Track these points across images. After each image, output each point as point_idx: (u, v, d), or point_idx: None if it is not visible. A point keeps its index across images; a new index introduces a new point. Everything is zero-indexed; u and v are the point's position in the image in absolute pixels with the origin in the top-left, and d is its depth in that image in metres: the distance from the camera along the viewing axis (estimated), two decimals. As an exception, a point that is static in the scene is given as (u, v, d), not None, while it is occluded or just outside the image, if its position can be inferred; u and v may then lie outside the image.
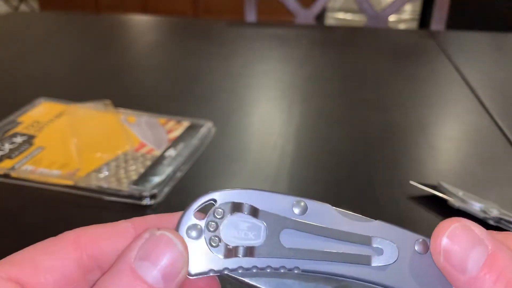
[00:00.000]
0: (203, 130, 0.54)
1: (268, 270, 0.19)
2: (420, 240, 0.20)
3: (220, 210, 0.20)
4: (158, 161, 0.48)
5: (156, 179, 0.45)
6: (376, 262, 0.20)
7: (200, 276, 0.19)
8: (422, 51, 0.89)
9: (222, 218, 0.20)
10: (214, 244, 0.19)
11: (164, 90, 0.70)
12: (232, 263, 0.19)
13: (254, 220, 0.20)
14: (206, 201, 0.20)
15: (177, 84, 0.72)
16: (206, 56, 0.83)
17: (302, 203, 0.20)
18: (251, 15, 1.13)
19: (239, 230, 0.20)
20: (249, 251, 0.20)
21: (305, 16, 1.13)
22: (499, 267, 0.18)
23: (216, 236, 0.19)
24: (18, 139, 0.51)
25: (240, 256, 0.19)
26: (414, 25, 2.23)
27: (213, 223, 0.20)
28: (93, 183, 0.44)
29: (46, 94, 0.61)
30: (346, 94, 0.70)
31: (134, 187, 0.43)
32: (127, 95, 0.67)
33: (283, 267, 0.20)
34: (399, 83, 0.74)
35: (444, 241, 0.19)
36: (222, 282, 0.21)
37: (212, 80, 0.73)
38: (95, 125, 0.56)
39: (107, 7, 2.22)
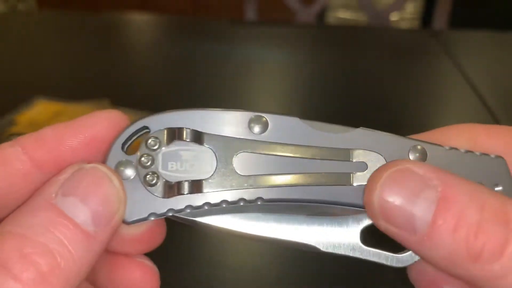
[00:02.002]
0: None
1: (224, 205, 0.16)
2: (418, 146, 0.16)
3: (154, 139, 0.16)
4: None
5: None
6: (359, 180, 0.16)
7: (139, 223, 0.16)
8: (424, 50, 0.88)
9: (157, 149, 0.16)
10: (151, 182, 0.16)
11: (163, 89, 0.69)
12: (176, 202, 0.16)
13: (198, 147, 0.16)
14: (137, 131, 0.16)
15: (176, 83, 0.71)
16: (206, 55, 0.82)
17: (263, 119, 0.16)
18: (251, 13, 1.12)
19: (181, 162, 0.16)
20: (196, 186, 0.16)
21: (306, 14, 1.12)
22: (456, 211, 0.14)
23: (152, 172, 0.16)
24: (15, 139, 0.50)
25: (185, 193, 0.16)
26: (416, 24, 2.22)
27: (147, 156, 0.16)
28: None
29: (44, 93, 0.61)
30: (348, 94, 0.69)
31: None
32: (125, 94, 0.66)
33: (243, 199, 0.16)
34: (401, 83, 0.73)
35: (378, 197, 0.15)
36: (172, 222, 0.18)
37: (212, 79, 0.72)
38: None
39: (106, 5, 2.21)
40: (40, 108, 0.57)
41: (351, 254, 0.17)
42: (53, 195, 0.14)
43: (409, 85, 0.72)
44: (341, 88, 0.71)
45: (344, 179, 0.16)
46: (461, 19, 1.34)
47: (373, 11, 1.10)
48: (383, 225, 0.15)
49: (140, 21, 1.08)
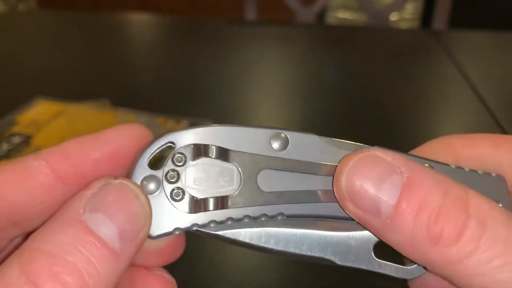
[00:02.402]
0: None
1: (246, 220, 0.16)
2: (426, 164, 0.17)
3: (180, 155, 0.16)
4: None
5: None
6: None
7: (164, 237, 0.16)
8: (424, 50, 0.88)
9: (183, 165, 0.16)
10: (177, 198, 0.16)
11: (163, 89, 0.69)
12: (201, 217, 0.16)
13: (223, 163, 0.16)
14: (162, 146, 0.16)
15: (176, 83, 0.71)
16: (205, 55, 0.82)
17: (283, 135, 0.17)
18: (251, 13, 1.12)
19: (206, 178, 0.16)
20: (222, 202, 0.16)
21: (306, 14, 1.13)
22: (419, 196, 0.14)
23: (178, 187, 0.16)
24: (16, 139, 0.50)
25: (210, 209, 0.16)
26: (415, 24, 2.22)
27: (173, 172, 0.16)
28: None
29: (44, 93, 0.61)
30: (347, 94, 0.69)
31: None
32: (125, 94, 0.66)
33: (264, 215, 0.16)
34: (401, 83, 0.73)
35: (346, 180, 0.15)
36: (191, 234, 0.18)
37: (211, 79, 0.72)
38: (93, 125, 0.55)
39: (106, 5, 2.21)
40: (40, 108, 0.57)
41: (364, 267, 0.17)
42: (81, 211, 0.14)
43: (409, 85, 0.72)
44: (340, 88, 0.71)
45: None
46: (461, 19, 1.34)
47: (373, 11, 1.10)
48: (351, 208, 0.15)
49: (140, 21, 1.08)
